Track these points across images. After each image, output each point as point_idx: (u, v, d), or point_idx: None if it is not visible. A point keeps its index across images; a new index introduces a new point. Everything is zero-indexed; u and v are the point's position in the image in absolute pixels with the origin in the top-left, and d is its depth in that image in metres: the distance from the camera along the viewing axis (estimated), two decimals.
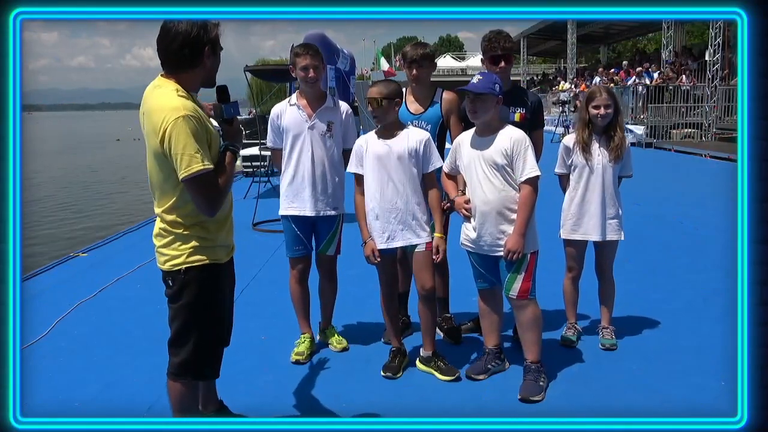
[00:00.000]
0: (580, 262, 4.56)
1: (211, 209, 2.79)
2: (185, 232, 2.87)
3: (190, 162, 2.67)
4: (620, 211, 4.44)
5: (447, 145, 4.49)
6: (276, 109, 4.44)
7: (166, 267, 2.93)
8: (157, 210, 2.92)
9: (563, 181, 4.55)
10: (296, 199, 4.36)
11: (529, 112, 4.29)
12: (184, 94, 2.80)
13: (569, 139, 4.46)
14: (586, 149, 4.35)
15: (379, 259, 4.02)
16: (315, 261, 4.59)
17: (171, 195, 2.84)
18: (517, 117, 4.23)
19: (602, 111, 4.27)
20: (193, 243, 2.87)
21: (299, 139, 4.33)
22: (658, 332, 4.78)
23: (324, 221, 4.43)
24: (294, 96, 4.43)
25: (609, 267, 4.56)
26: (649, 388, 3.89)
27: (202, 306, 2.92)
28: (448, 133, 4.52)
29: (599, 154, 4.34)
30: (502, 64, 4.25)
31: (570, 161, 4.45)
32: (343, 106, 4.47)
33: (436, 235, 3.98)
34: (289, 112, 4.37)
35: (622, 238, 4.47)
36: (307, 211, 4.35)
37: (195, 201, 2.78)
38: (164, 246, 2.92)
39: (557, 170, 4.53)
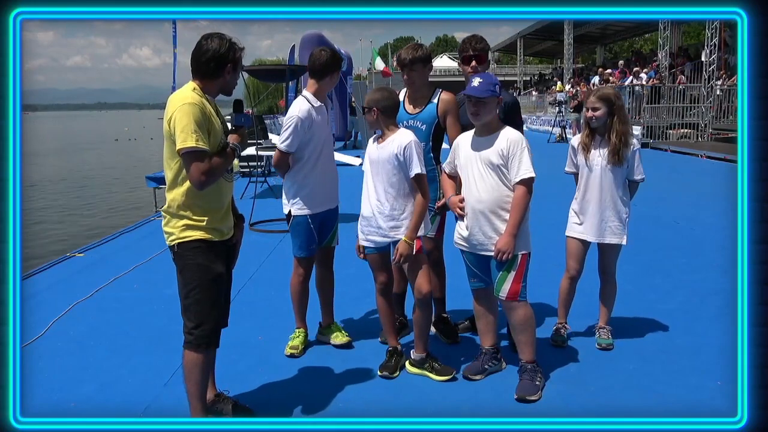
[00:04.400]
0: (578, 261, 4.54)
1: (199, 183, 3.14)
2: (178, 212, 3.25)
3: (186, 138, 3.07)
4: (624, 216, 4.40)
5: (444, 145, 4.51)
6: (304, 113, 4.28)
7: (168, 243, 3.33)
8: (165, 193, 3.33)
9: (576, 179, 4.57)
10: (320, 196, 4.45)
11: (502, 113, 4.23)
12: (200, 93, 3.24)
13: (576, 139, 4.50)
14: (586, 150, 4.38)
15: (363, 255, 4.19)
16: (318, 254, 4.60)
17: (170, 173, 3.25)
18: None
19: (589, 113, 4.32)
20: (185, 221, 3.25)
21: (320, 138, 4.41)
22: (655, 332, 4.79)
23: (331, 214, 4.54)
24: (312, 98, 4.36)
25: (610, 269, 4.56)
26: (645, 388, 3.89)
27: (196, 270, 3.25)
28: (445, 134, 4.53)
29: (599, 155, 4.35)
30: (473, 64, 4.34)
31: (576, 161, 4.47)
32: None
33: (404, 238, 3.91)
34: (313, 115, 4.34)
35: (624, 243, 4.44)
36: (327, 205, 4.50)
37: (187, 172, 3.15)
38: (165, 225, 3.32)
39: (566, 169, 4.59)
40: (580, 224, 4.45)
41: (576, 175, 4.53)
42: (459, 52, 4.47)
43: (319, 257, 4.60)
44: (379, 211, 3.98)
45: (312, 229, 4.43)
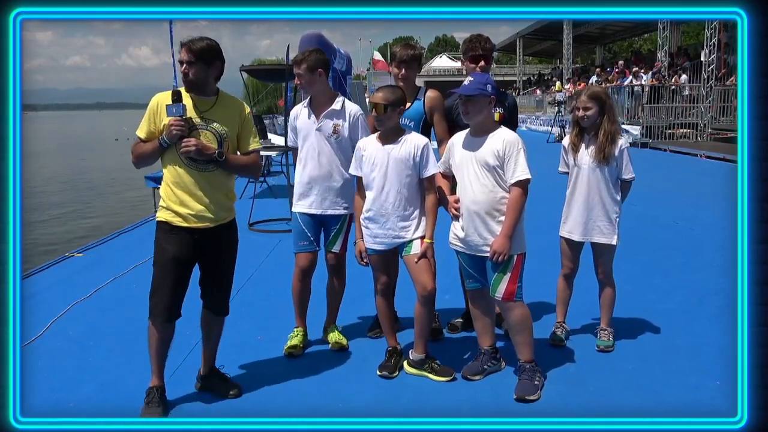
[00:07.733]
0: (572, 260, 4.57)
1: (133, 162, 3.70)
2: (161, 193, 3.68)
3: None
4: (614, 215, 4.38)
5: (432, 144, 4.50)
6: (294, 110, 4.59)
7: None
8: None
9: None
10: (303, 197, 4.48)
11: (507, 112, 4.37)
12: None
13: (566, 140, 4.50)
14: (575, 149, 4.40)
15: (366, 260, 4.15)
16: (324, 258, 4.63)
17: None
18: (496, 117, 4.27)
19: (580, 113, 4.32)
20: (160, 203, 3.66)
21: (308, 139, 4.44)
22: (654, 332, 4.79)
23: (331, 219, 4.50)
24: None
25: (604, 270, 4.52)
26: (645, 388, 3.89)
27: (155, 246, 3.65)
28: (432, 131, 4.54)
29: (587, 154, 4.35)
30: (482, 63, 4.39)
31: (568, 160, 4.47)
32: (352, 107, 4.49)
33: (426, 240, 3.99)
34: (302, 114, 4.50)
35: (614, 243, 4.41)
36: (314, 208, 4.46)
37: None
38: None
39: (560, 169, 4.58)
40: (567, 224, 4.49)
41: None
42: (466, 51, 4.44)
43: (326, 260, 4.63)
44: (391, 212, 3.97)
45: (300, 225, 4.51)
